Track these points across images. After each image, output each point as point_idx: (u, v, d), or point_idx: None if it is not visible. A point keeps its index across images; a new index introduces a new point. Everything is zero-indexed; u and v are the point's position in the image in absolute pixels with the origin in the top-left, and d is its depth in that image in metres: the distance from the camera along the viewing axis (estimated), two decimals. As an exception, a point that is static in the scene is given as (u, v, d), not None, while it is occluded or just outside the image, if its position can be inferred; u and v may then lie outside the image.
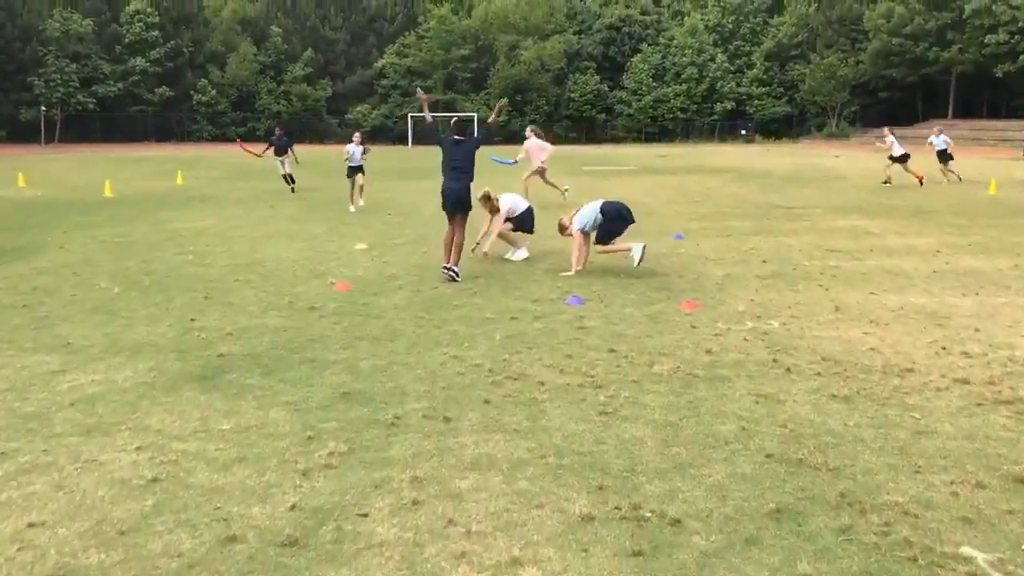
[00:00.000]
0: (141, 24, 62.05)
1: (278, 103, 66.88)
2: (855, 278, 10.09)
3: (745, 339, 7.26)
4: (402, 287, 9.55)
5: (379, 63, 69.98)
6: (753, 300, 8.82)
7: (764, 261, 11.26)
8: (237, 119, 66.15)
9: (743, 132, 68.28)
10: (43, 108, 57.38)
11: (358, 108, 69.11)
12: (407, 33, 70.30)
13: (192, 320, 7.94)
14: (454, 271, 9.95)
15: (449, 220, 10.31)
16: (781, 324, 7.79)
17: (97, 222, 15.66)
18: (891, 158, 23.83)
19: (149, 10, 62.74)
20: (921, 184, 22.93)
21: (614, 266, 10.62)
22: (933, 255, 11.79)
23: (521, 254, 11.67)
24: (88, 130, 60.18)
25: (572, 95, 70.47)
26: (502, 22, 69.48)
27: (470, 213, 10.32)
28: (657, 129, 70.02)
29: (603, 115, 71.43)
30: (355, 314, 8.21)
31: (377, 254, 11.92)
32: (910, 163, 23.62)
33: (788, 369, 6.38)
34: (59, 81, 57.91)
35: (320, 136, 67.08)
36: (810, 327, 7.69)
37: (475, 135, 10.94)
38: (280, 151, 21.57)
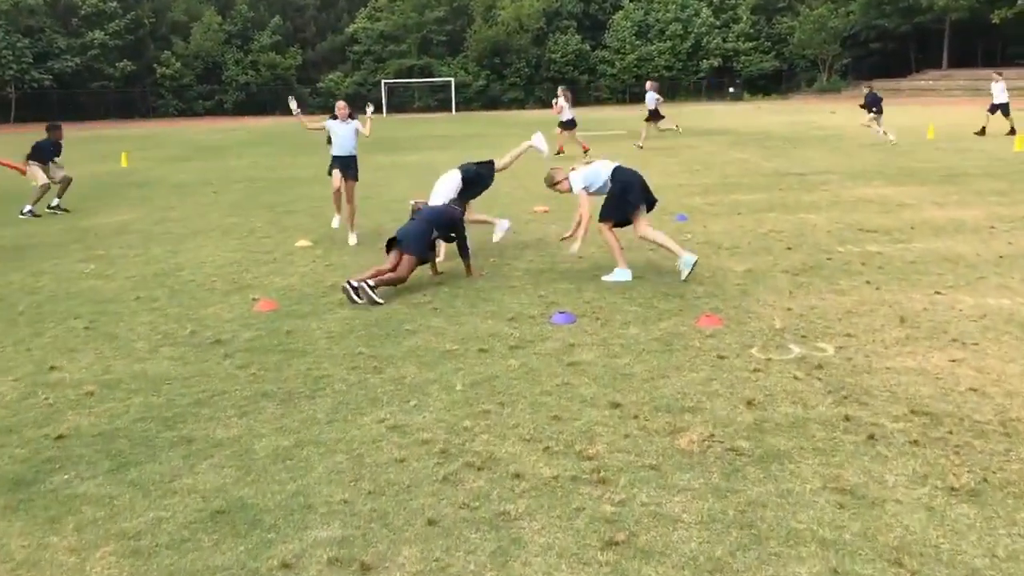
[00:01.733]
0: (96, -6, 59.07)
1: (246, 73, 64.17)
2: (907, 269, 8.13)
3: (795, 377, 5.31)
4: (343, 302, 7.54)
5: (350, 28, 67.26)
6: (790, 309, 6.86)
7: (789, 248, 9.30)
8: (204, 92, 63.46)
9: (731, 90, 66.04)
10: (-5, 87, 54.78)
11: (330, 76, 66.51)
12: (380, -4, 67.56)
13: (51, 369, 5.93)
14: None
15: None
16: (837, 349, 5.84)
17: (3, 220, 13.54)
18: (560, 124, 22.70)
19: (106, -21, 59.78)
20: (585, 153, 21.21)
21: (612, 262, 8.62)
22: (988, 232, 9.85)
23: (503, 226, 9.74)
24: (46, 109, 57.28)
25: (553, 56, 67.98)
26: (477, -19, 66.79)
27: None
28: (642, 89, 67.61)
29: (586, 76, 69.01)
30: (272, 350, 6.22)
31: (321, 253, 9.89)
32: (576, 132, 22.73)
33: (871, 436, 4.43)
34: (11, 58, 55.03)
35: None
36: (876, 352, 5.75)
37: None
38: (46, 156, 14.61)
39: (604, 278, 8.10)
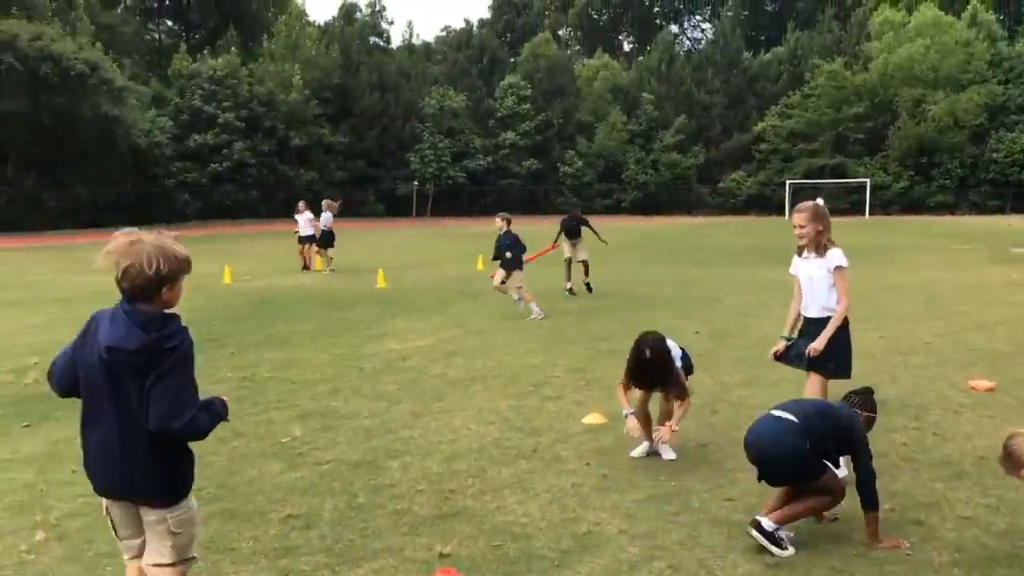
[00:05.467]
0: (514, 98, 62.23)
1: (645, 173, 63.37)
2: None
3: None
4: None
5: (758, 127, 63.84)
6: None
7: None
8: (603, 190, 63.69)
9: None
10: (416, 183, 59.18)
11: (732, 176, 63.40)
12: (791, 93, 63.49)
13: None
14: None
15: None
16: None
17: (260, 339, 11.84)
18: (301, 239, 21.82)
19: (523, 83, 62.85)
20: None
21: None
22: None
23: None
24: (458, 203, 61.08)
25: (995, 155, 58.50)
26: (905, 74, 59.99)
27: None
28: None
29: (1036, 178, 58.36)
30: None
31: (529, 482, 6.41)
32: (315, 248, 21.63)
33: None
34: (432, 156, 59.43)
35: (688, 207, 62.47)
36: None
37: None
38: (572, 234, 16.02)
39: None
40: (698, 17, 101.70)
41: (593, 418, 7.05)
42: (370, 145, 60.55)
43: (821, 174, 60.47)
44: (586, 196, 62.59)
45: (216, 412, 3.21)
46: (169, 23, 77.72)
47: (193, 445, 3.24)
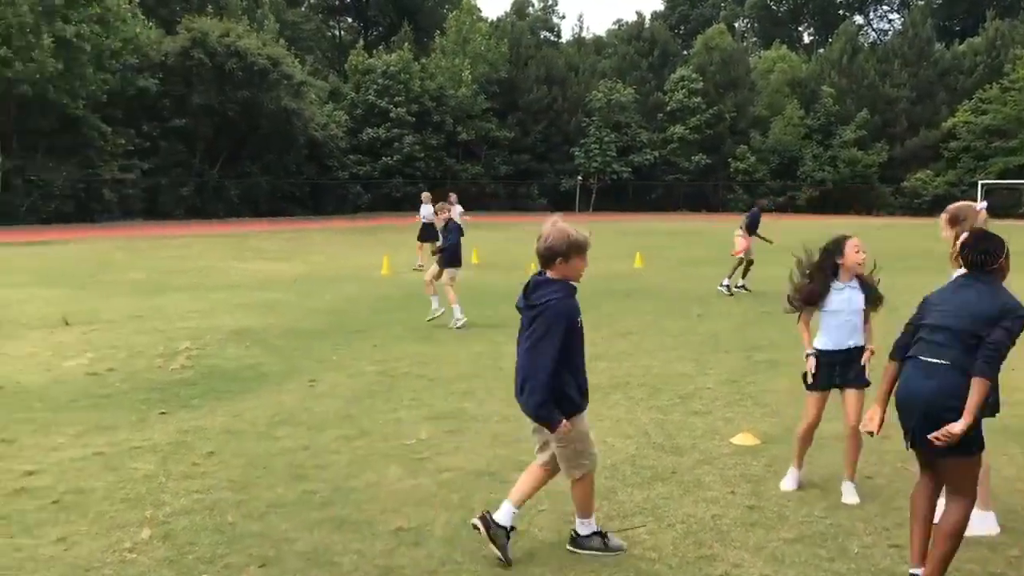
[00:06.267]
0: (684, 91, 60.59)
1: (823, 170, 60.24)
2: None
3: None
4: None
5: (948, 122, 59.38)
6: None
7: None
8: (776, 188, 61.04)
9: None
10: (580, 177, 58.74)
11: (917, 175, 59.33)
12: (988, 86, 58.68)
13: None
14: None
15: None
16: None
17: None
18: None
19: (694, 76, 61.11)
20: None
21: None
22: None
23: None
24: (622, 199, 60.22)
25: None
26: (1124, 65, 54.33)
27: None
28: None
29: None
30: None
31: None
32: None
33: None
34: (597, 151, 58.72)
35: (868, 207, 59.00)
36: None
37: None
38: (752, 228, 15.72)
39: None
40: (885, 7, 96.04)
41: (743, 438, 6.37)
42: (535, 139, 60.56)
43: (1019, 174, 55.68)
44: (758, 193, 60.15)
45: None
46: (349, 20, 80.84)
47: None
